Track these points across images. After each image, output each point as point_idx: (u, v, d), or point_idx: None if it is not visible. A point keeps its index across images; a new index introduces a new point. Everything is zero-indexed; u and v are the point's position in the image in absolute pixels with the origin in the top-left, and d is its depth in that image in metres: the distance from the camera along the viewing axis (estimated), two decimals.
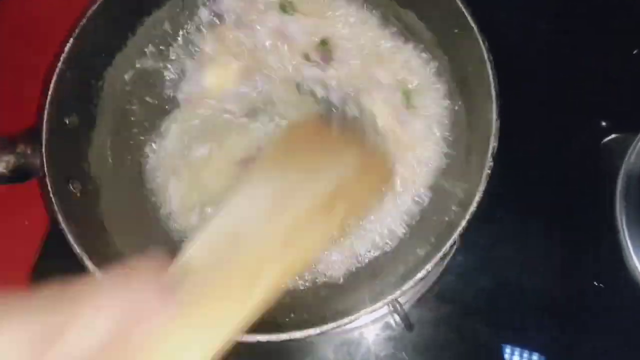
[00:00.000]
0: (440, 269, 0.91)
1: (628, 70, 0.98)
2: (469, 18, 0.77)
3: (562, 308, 0.90)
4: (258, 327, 0.53)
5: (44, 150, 0.76)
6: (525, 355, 0.88)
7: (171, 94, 0.93)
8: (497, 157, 0.72)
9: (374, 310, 0.69)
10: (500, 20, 0.95)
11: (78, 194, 0.79)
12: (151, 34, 0.91)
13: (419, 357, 0.89)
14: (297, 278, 0.84)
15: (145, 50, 0.92)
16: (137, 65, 0.91)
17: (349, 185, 0.66)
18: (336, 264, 0.84)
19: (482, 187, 0.72)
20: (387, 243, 0.85)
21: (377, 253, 0.85)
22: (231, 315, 0.48)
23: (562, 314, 0.90)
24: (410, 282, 0.69)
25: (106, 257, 0.75)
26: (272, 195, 0.59)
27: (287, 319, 0.75)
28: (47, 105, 0.77)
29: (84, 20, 0.81)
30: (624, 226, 0.87)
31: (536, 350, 0.88)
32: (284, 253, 0.56)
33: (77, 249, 0.72)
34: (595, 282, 0.91)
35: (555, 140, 0.96)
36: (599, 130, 0.96)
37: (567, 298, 0.91)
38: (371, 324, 0.91)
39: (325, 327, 0.68)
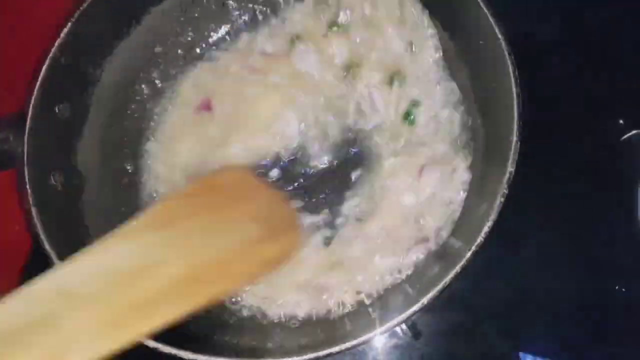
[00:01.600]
0: None
1: None
2: (496, 30, 0.71)
3: (583, 313, 0.84)
4: None
5: (26, 137, 0.72)
6: None
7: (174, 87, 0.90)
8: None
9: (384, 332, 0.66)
10: (518, 16, 0.89)
11: (59, 187, 0.75)
12: (157, 25, 0.87)
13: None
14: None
15: (150, 40, 0.87)
16: (141, 56, 0.87)
17: (236, 257, 0.65)
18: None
19: (493, 217, 0.67)
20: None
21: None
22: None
23: (583, 320, 0.84)
24: (418, 305, 0.66)
25: None
26: (154, 248, 0.58)
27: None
28: (35, 91, 0.73)
29: (85, 5, 0.77)
30: None
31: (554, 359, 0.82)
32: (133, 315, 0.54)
33: (46, 243, 0.68)
34: (617, 286, 0.84)
35: (573, 140, 0.90)
36: (617, 128, 0.90)
37: (587, 303, 0.85)
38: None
39: (334, 349, 0.65)
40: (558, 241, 0.87)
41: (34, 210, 0.69)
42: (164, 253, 0.59)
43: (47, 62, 0.75)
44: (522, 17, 0.92)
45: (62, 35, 0.76)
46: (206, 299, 0.59)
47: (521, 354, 0.82)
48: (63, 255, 0.67)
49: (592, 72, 0.93)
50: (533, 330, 0.84)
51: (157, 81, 0.89)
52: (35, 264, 0.86)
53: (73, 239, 0.72)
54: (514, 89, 0.69)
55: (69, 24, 0.76)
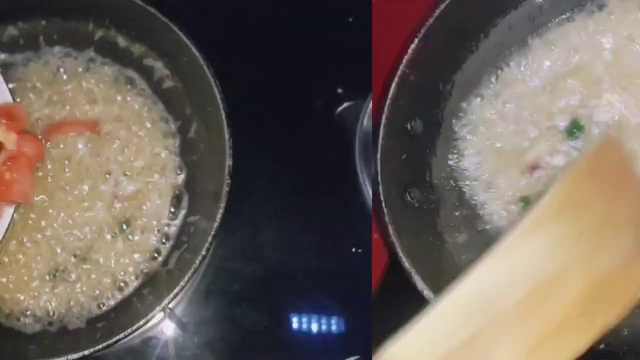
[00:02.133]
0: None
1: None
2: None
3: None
4: None
5: (378, 156, 0.71)
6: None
7: None
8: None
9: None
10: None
11: (416, 204, 0.74)
12: (505, 38, 0.81)
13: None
14: None
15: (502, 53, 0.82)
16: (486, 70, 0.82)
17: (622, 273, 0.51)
18: None
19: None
20: None
21: None
22: None
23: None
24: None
25: (441, 271, 0.68)
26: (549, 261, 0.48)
27: None
28: (385, 110, 0.73)
29: (430, 21, 0.75)
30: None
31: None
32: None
33: (404, 261, 0.65)
34: None
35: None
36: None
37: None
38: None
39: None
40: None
41: (390, 228, 0.68)
42: (566, 255, 0.49)
43: (396, 79, 0.74)
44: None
45: (409, 52, 0.74)
46: (600, 329, 0.49)
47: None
48: (420, 271, 0.65)
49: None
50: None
51: None
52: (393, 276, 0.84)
53: (432, 255, 0.71)
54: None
55: (416, 40, 0.74)
